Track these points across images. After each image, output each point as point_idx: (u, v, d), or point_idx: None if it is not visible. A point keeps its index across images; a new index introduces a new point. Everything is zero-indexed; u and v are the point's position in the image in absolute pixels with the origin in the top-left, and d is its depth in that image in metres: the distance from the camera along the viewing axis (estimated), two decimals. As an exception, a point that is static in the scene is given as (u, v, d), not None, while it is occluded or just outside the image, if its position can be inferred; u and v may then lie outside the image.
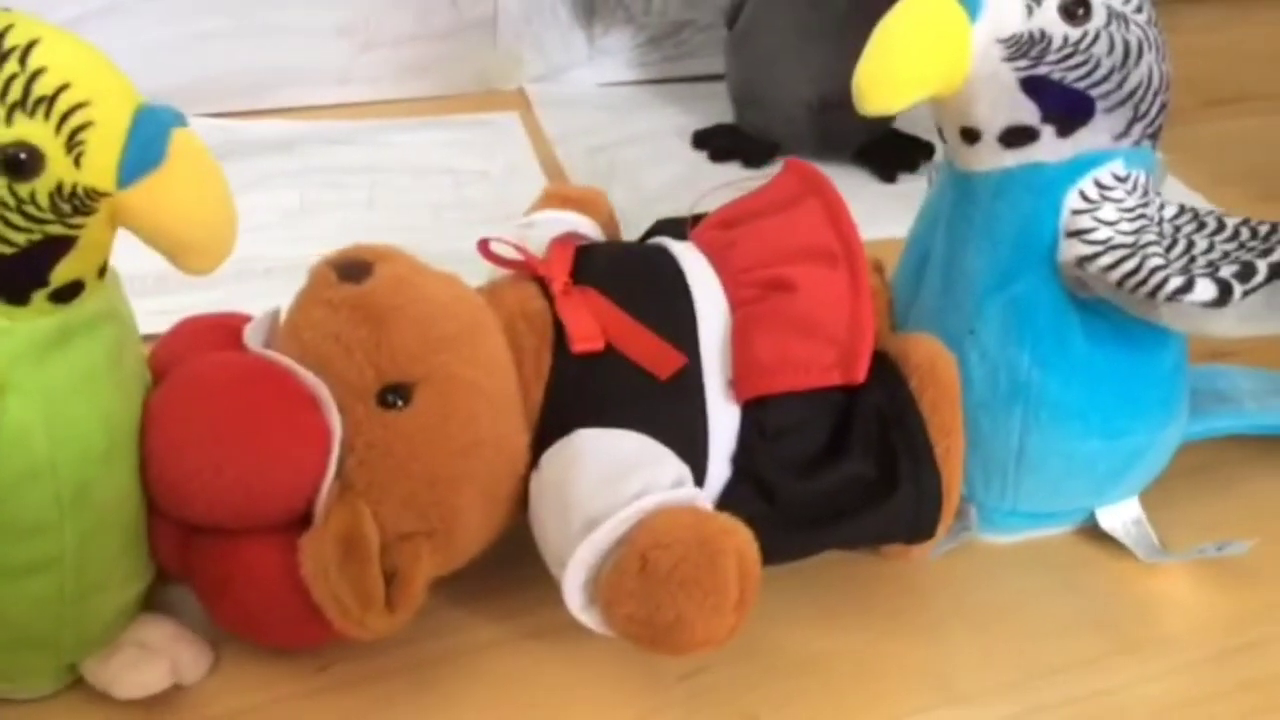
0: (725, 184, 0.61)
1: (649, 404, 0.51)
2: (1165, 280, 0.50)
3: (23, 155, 0.40)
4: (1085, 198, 0.53)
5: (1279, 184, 0.92)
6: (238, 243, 0.44)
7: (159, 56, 0.91)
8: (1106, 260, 0.51)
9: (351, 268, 0.48)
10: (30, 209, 0.41)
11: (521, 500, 0.51)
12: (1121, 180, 0.53)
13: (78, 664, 0.49)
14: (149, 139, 0.41)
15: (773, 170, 0.50)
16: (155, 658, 0.49)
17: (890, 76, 0.51)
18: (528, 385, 0.51)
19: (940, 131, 0.56)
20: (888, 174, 0.93)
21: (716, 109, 1.00)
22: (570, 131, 0.99)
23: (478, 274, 0.55)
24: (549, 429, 0.51)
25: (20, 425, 0.43)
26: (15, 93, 0.39)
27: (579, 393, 0.51)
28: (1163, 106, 0.54)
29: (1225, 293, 0.49)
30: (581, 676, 0.52)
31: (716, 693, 0.52)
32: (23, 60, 0.39)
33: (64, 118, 0.40)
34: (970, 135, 0.54)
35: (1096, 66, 0.52)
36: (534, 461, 0.50)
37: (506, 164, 0.93)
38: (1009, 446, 0.56)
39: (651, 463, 0.49)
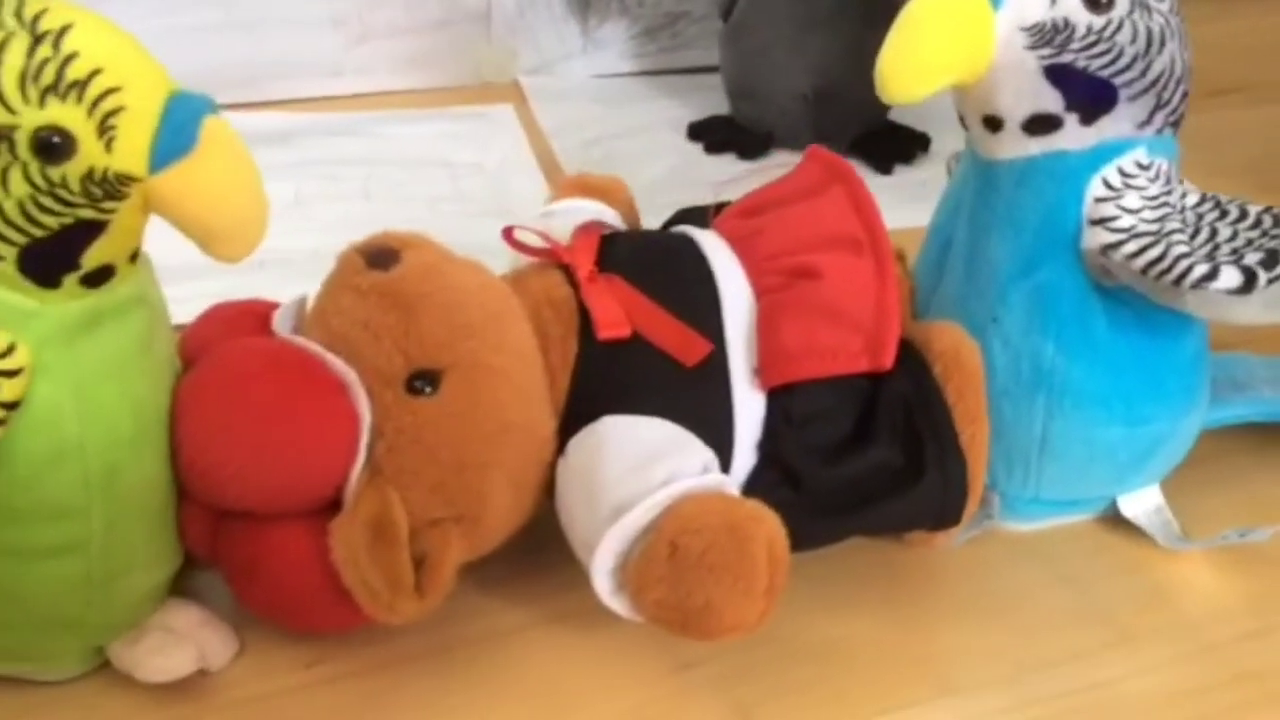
0: (748, 171, 0.61)
1: (675, 391, 0.51)
2: (1190, 268, 0.50)
3: (55, 139, 0.40)
4: (1109, 185, 0.53)
5: (1277, 175, 0.92)
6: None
7: (152, 48, 0.91)
8: (1131, 248, 0.51)
9: (380, 255, 0.49)
10: (62, 192, 0.41)
11: (548, 487, 0.51)
12: (1144, 168, 0.53)
13: (104, 647, 0.49)
14: (180, 125, 0.41)
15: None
16: (182, 643, 0.49)
17: (914, 64, 0.51)
18: (554, 372, 0.51)
19: (962, 119, 0.56)
20: (884, 166, 0.93)
21: (711, 101, 0.99)
22: (565, 124, 0.98)
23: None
24: (575, 416, 0.51)
25: (50, 406, 0.43)
26: (48, 77, 0.39)
27: (605, 380, 0.51)
28: (1185, 95, 0.54)
29: (1250, 280, 0.50)
30: (582, 665, 0.52)
31: (712, 683, 0.52)
32: (56, 44, 0.40)
33: (96, 102, 0.40)
34: (993, 123, 0.54)
35: (1120, 54, 0.52)
36: (560, 448, 0.51)
37: (501, 156, 0.93)
38: (1032, 434, 0.56)
39: (678, 449, 0.49)
